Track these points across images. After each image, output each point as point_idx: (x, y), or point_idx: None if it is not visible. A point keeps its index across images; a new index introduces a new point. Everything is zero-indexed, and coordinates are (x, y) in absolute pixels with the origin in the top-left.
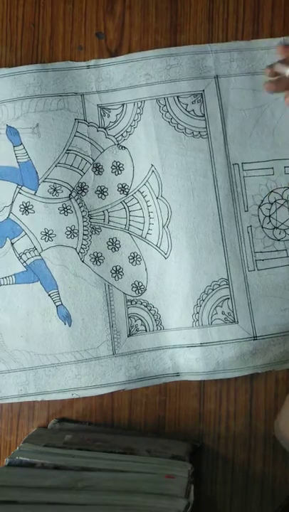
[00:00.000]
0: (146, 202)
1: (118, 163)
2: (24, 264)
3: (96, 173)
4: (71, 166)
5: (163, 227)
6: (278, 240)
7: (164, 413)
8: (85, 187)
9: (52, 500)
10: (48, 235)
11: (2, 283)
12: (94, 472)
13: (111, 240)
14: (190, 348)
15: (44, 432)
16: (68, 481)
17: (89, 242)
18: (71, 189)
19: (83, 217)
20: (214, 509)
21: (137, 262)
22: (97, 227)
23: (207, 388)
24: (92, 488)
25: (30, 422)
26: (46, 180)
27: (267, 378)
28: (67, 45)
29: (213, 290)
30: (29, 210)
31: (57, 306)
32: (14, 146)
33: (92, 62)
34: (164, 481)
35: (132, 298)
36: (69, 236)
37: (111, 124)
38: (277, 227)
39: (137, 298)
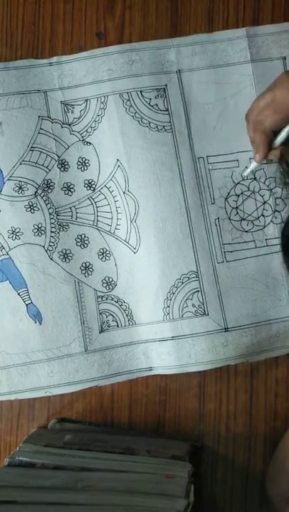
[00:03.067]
0: (114, 197)
1: (84, 159)
2: None
3: (62, 169)
4: (36, 163)
5: (131, 222)
6: (246, 232)
7: (164, 413)
8: (51, 184)
9: (52, 501)
10: (15, 233)
11: None
12: (94, 472)
13: (79, 237)
14: (162, 342)
15: (44, 432)
16: (68, 481)
17: (57, 240)
18: (37, 186)
19: (50, 214)
20: (214, 509)
21: (107, 258)
22: (64, 223)
23: (207, 388)
24: (92, 488)
25: (30, 422)
26: (11, 178)
27: (267, 378)
28: (67, 45)
29: (182, 283)
30: None
31: (27, 305)
32: None
33: (54, 59)
34: (164, 481)
35: (102, 294)
36: (36, 234)
37: (75, 120)
38: (244, 219)
39: (108, 294)
